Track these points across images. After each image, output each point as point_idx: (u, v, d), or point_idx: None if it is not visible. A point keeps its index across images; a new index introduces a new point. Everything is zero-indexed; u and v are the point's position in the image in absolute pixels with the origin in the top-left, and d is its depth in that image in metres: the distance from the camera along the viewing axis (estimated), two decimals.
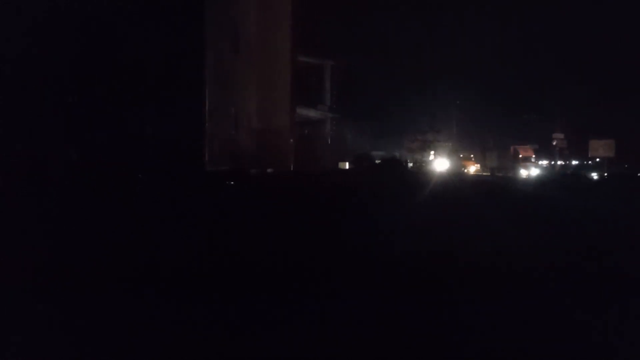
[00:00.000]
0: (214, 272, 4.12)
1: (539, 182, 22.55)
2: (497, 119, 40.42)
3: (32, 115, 9.87)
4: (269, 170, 16.74)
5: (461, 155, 40.25)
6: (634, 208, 10.26)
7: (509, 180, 24.90)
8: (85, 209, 6.77)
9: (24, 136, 9.63)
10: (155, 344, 2.77)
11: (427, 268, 4.38)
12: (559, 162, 39.79)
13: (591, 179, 25.09)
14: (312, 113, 25.30)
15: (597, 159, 34.78)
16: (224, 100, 14.46)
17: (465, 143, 41.98)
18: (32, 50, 9.85)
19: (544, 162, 40.44)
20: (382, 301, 3.44)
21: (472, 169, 39.21)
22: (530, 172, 34.48)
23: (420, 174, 22.54)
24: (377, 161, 23.14)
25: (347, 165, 24.08)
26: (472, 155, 42.35)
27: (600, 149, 34.77)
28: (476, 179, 25.58)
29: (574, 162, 38.59)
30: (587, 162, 36.12)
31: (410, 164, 30.02)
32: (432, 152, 35.94)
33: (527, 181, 25.35)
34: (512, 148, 40.49)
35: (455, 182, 19.36)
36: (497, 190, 16.74)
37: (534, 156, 39.68)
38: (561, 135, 39.38)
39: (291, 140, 20.05)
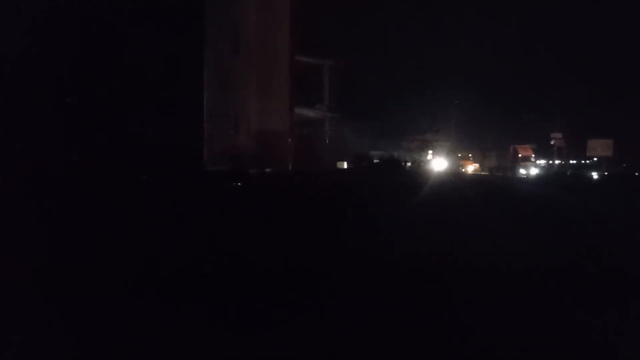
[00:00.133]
0: (214, 272, 4.12)
1: (538, 182, 22.58)
2: (497, 119, 40.40)
3: (32, 115, 9.85)
4: (268, 170, 16.73)
5: (459, 155, 40.31)
6: (634, 208, 10.27)
7: (508, 180, 24.93)
8: (85, 209, 6.76)
9: (24, 136, 9.61)
10: (155, 344, 2.76)
11: (427, 268, 4.38)
12: (556, 162, 39.85)
13: (591, 178, 25.14)
14: (311, 113, 25.25)
15: (595, 159, 35.13)
16: (223, 100, 14.47)
17: (464, 143, 42.01)
18: (32, 50, 9.84)
19: (542, 162, 40.46)
20: (382, 301, 3.44)
21: (471, 168, 39.29)
22: (529, 171, 34.58)
23: (417, 174, 22.55)
24: (376, 161, 23.14)
25: (345, 165, 24.08)
26: (470, 155, 42.37)
27: (599, 148, 35.44)
28: (475, 179, 25.60)
29: (572, 162, 38.64)
30: (585, 161, 36.27)
31: (409, 164, 30.07)
32: (431, 152, 36.01)
33: (527, 180, 25.39)
34: (511, 147, 40.54)
35: (453, 181, 19.38)
36: (497, 190, 16.76)
37: (533, 156, 39.69)
38: (559, 135, 39.48)
39: (290, 140, 20.04)
